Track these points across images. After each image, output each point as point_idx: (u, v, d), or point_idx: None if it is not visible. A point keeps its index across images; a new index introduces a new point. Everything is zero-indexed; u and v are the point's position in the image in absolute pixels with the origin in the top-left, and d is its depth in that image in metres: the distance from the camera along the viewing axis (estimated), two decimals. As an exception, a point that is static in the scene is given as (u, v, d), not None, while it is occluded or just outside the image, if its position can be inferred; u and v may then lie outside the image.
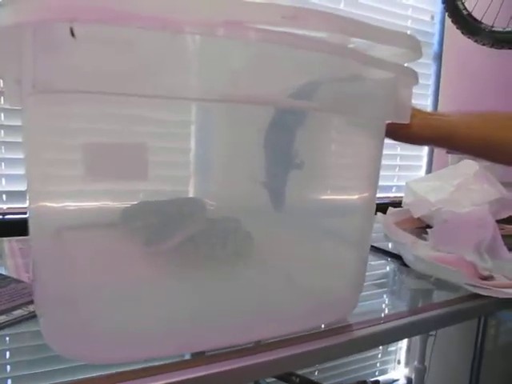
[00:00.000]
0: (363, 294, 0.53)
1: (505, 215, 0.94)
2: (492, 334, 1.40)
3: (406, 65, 0.44)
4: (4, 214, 0.87)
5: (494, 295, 0.59)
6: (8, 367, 0.42)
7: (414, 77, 0.44)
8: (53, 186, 0.36)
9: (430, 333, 1.42)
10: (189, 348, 0.43)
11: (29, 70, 0.31)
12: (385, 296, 0.65)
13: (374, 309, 0.58)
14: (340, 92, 0.40)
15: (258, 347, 0.44)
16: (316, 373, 1.47)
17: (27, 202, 0.38)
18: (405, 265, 0.73)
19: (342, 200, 0.51)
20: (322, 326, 0.49)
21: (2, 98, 0.86)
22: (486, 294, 0.59)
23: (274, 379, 1.19)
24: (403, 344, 1.71)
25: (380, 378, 1.55)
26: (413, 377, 1.48)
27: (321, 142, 0.50)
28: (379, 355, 1.65)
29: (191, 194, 0.50)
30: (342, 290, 0.51)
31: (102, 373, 0.38)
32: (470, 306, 0.60)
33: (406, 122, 0.46)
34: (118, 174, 0.39)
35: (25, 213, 0.39)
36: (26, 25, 0.29)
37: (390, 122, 0.49)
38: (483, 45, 1.23)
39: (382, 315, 0.55)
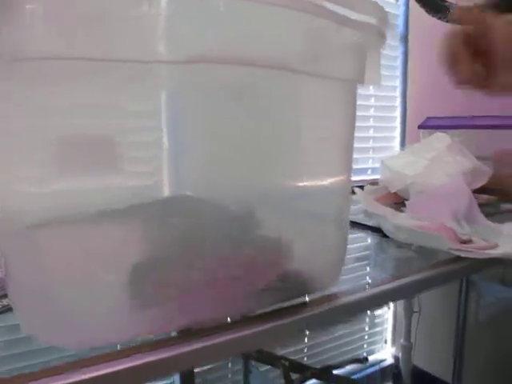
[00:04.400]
0: (344, 267, 0.52)
1: (477, 185, 0.95)
2: (473, 308, 1.43)
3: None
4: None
5: (477, 256, 0.59)
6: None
7: (382, 36, 0.44)
8: (21, 181, 0.35)
9: (414, 310, 1.44)
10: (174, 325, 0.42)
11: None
12: (366, 267, 0.65)
13: (355, 279, 0.58)
14: (310, 51, 0.40)
15: (244, 320, 0.44)
16: (305, 359, 1.48)
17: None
18: (385, 236, 0.73)
19: (316, 175, 0.50)
20: (306, 297, 0.49)
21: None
22: (468, 256, 0.60)
23: (266, 366, 1.19)
24: (389, 324, 1.73)
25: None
26: (400, 355, 1.49)
27: (292, 110, 0.49)
28: (366, 336, 1.66)
29: (169, 185, 0.48)
30: (322, 263, 0.51)
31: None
32: (451, 269, 0.60)
33: (378, 84, 0.46)
34: (89, 166, 0.37)
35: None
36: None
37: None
38: (447, 21, 1.25)
39: (364, 283, 0.55)
